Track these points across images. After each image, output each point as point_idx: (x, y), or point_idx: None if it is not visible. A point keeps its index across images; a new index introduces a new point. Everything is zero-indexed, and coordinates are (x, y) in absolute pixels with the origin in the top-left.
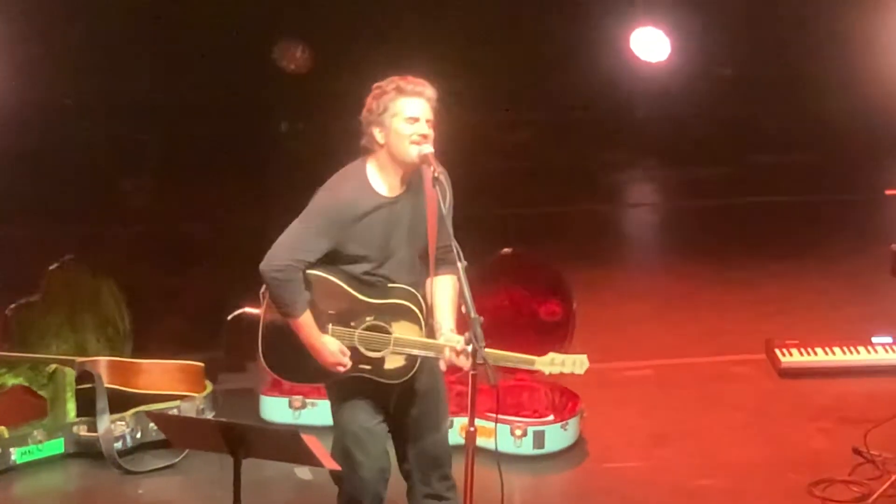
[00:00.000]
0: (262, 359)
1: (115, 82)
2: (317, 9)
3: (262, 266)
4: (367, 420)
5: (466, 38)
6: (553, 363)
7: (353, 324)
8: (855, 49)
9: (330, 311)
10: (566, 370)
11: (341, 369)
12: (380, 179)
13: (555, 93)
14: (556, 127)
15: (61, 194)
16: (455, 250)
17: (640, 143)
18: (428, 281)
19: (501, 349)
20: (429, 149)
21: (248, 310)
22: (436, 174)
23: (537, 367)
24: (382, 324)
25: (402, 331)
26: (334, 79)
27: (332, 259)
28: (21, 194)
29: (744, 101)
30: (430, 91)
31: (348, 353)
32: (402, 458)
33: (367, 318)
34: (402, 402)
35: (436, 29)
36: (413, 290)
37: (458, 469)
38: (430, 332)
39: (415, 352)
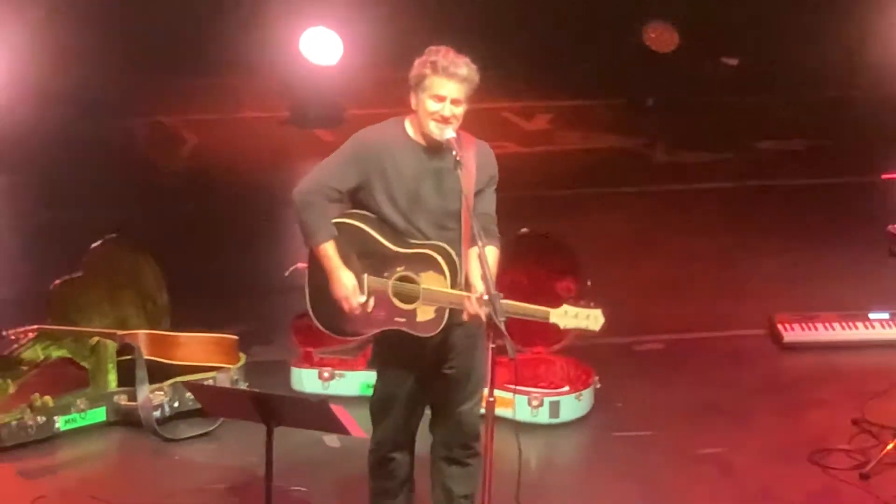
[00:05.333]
0: (310, 312)
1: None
2: None
3: (293, 192)
4: (409, 386)
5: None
6: (567, 315)
7: (385, 274)
8: (856, 37)
9: (364, 262)
10: (580, 325)
11: (346, 306)
12: (417, 133)
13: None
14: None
15: (106, 176)
16: (484, 228)
17: (649, 129)
18: (466, 247)
19: (520, 326)
20: (451, 133)
21: (300, 265)
22: (458, 158)
23: (552, 319)
24: (412, 274)
25: (429, 281)
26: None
27: (363, 205)
28: (68, 178)
29: (748, 88)
30: (464, 71)
31: (363, 295)
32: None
33: (398, 269)
34: (438, 364)
35: None
36: (444, 245)
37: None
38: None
39: (441, 302)
